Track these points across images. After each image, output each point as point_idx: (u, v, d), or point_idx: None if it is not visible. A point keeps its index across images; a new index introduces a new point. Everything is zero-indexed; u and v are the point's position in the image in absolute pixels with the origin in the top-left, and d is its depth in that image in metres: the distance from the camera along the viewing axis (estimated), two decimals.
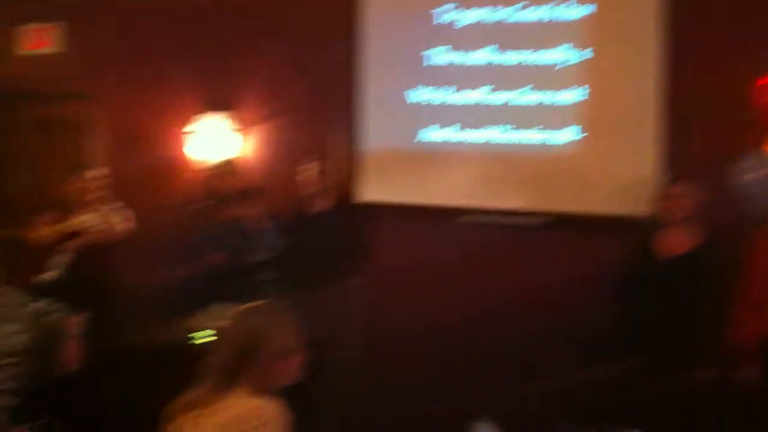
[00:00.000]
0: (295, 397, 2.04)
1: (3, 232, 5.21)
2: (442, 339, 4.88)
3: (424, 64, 5.14)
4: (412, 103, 5.17)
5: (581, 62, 4.81)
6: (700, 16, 4.47)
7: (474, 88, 5.03)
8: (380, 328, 4.78)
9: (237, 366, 1.96)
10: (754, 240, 3.73)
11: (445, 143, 5.11)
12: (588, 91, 4.81)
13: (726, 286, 3.70)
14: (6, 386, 3.47)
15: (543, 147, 4.90)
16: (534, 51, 4.90)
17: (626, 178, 4.69)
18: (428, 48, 5.12)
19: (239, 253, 4.78)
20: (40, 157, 6.05)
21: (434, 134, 5.14)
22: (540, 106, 4.90)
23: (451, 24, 5.09)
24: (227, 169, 5.36)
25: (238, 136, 5.49)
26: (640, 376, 3.84)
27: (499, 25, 4.98)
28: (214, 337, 3.28)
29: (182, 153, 5.56)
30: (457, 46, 5.07)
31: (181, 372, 2.10)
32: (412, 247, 5.04)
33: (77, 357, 3.60)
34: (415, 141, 5.17)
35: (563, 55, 4.85)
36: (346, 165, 5.26)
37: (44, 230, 4.88)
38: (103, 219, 4.91)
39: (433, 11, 5.12)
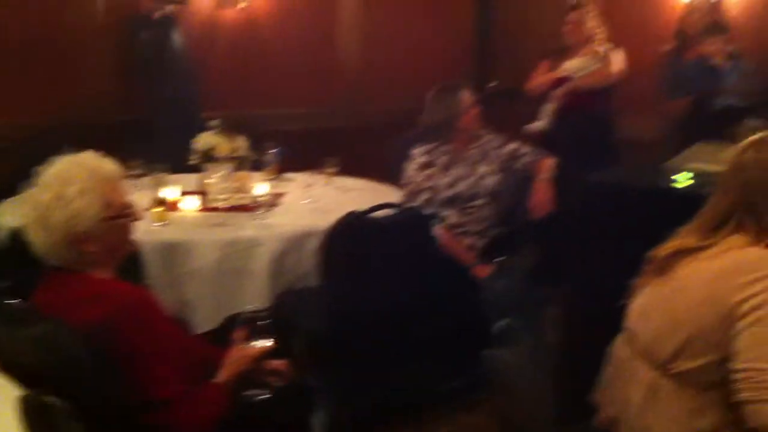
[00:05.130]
0: None
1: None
2: None
3: None
4: None
5: None
6: None
7: None
8: None
9: (733, 212, 1.79)
10: None
11: None
12: None
13: None
14: (473, 228, 3.61)
15: None
16: None
17: None
18: None
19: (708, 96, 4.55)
20: None
21: None
22: None
23: None
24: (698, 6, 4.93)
25: None
26: None
27: None
28: (696, 180, 3.12)
29: None
30: None
31: (663, 215, 1.96)
32: None
33: (546, 201, 3.57)
34: None
35: None
36: None
37: (539, 78, 4.78)
38: (598, 61, 4.67)
39: None
